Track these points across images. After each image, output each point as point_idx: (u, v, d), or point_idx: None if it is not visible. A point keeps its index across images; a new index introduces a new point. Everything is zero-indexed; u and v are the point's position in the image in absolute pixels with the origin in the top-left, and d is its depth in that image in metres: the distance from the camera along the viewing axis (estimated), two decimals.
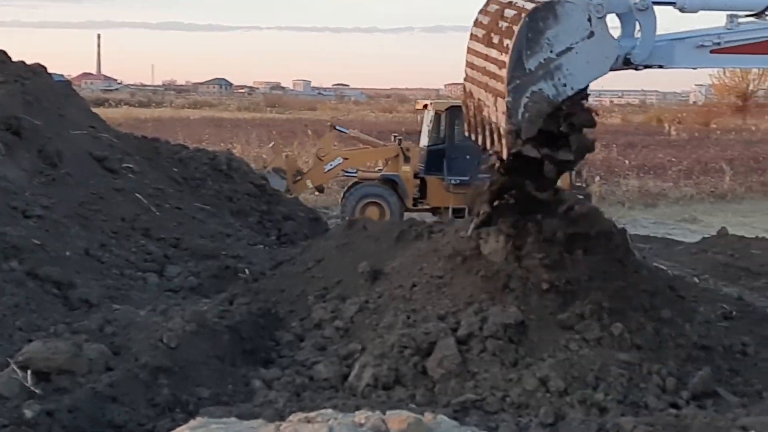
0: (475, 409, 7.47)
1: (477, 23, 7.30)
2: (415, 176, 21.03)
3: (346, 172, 21.34)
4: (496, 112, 6.63)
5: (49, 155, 12.37)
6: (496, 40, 6.62)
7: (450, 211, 20.08)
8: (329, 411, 4.63)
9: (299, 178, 21.00)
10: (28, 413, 6.39)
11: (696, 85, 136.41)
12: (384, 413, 7.13)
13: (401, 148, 21.55)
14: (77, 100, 15.95)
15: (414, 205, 21.42)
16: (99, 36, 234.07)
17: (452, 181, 20.86)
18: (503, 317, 8.33)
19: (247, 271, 11.38)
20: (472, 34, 7.23)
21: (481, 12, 7.27)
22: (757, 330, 9.96)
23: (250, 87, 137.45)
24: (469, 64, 7.27)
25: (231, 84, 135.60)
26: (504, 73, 6.29)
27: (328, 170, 20.90)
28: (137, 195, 12.71)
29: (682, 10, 8.32)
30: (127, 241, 11.50)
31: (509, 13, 6.68)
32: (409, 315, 8.80)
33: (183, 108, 79.63)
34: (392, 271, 9.98)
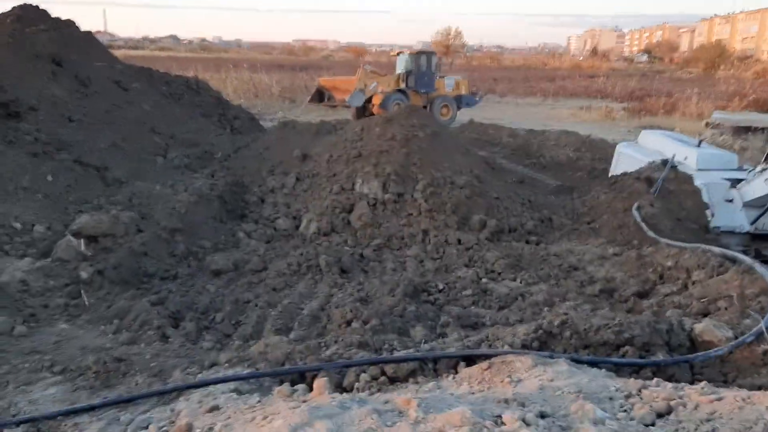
0: (386, 248, 7.41)
1: None
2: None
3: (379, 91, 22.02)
4: None
5: (82, 79, 11.32)
6: None
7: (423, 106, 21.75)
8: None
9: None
10: (83, 274, 5.87)
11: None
12: (328, 253, 7.52)
13: (399, 75, 22.66)
14: (96, 44, 14.47)
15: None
16: (105, 11, 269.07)
17: (421, 91, 22.63)
18: (396, 188, 8.16)
19: (219, 153, 10.94)
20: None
21: None
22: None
23: (190, 40, 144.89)
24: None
25: (179, 38, 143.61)
26: None
27: (371, 88, 21.77)
28: (143, 105, 11.82)
29: None
30: (140, 136, 10.68)
31: None
32: (334, 187, 8.44)
33: (154, 51, 78.73)
34: (314, 154, 9.60)
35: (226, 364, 4.09)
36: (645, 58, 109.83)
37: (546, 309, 5.33)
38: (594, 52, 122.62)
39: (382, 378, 3.74)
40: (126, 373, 4.13)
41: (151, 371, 4.16)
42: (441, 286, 6.11)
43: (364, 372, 3.78)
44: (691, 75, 55.32)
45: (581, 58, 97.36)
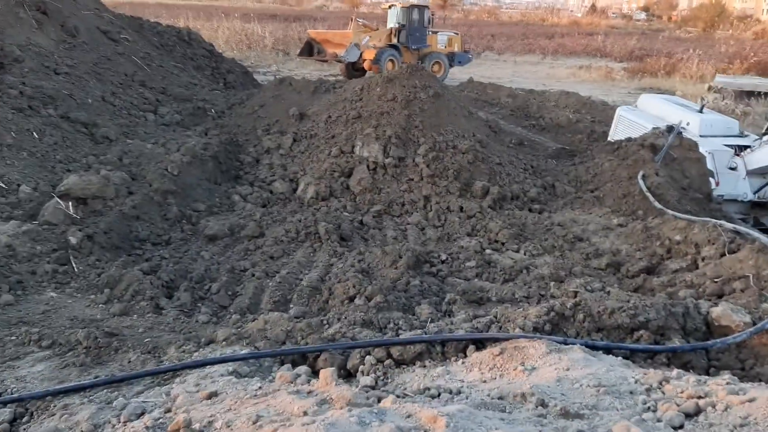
0: (386, 215, 7.17)
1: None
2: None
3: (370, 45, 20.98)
4: None
5: (69, 29, 10.71)
6: None
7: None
8: None
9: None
10: (72, 239, 5.54)
11: None
12: (327, 220, 7.24)
13: (391, 30, 21.60)
14: None
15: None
16: None
17: (413, 47, 21.75)
18: (397, 152, 7.82)
19: (213, 110, 10.45)
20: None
21: None
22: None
23: None
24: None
25: None
26: None
27: (364, 43, 20.65)
28: (133, 57, 11.21)
29: None
30: (130, 90, 10.12)
31: None
32: (333, 149, 8.09)
33: None
34: (312, 113, 9.20)
35: (224, 342, 3.91)
36: (643, 15, 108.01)
37: (552, 284, 5.17)
38: (593, 8, 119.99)
39: (388, 361, 3.58)
40: (118, 349, 3.94)
41: (144, 347, 3.97)
42: (444, 257, 5.92)
43: (369, 354, 3.62)
44: (690, 34, 54.38)
45: (580, 15, 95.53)
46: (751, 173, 9.66)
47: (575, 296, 4.35)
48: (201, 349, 3.89)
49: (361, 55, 20.76)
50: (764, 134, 10.94)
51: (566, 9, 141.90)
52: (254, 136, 9.14)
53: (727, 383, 2.84)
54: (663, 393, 2.84)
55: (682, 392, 2.77)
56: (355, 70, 21.11)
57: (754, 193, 9.71)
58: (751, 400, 2.50)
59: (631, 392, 2.87)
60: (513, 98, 17.25)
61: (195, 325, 4.49)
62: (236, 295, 5.13)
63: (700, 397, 2.67)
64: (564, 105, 16.60)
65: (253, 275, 5.44)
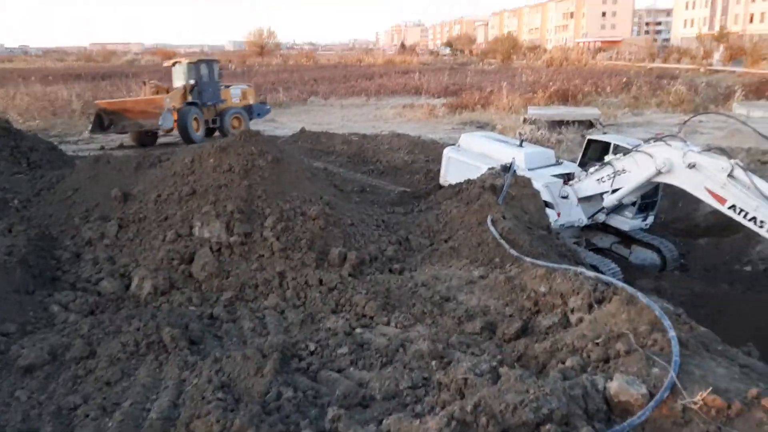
0: (239, 301, 6.39)
1: None
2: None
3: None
4: None
5: None
6: None
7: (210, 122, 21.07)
8: None
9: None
10: None
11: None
12: (171, 321, 6.18)
13: (185, 87, 20.16)
14: None
15: None
16: None
17: (208, 103, 20.78)
18: (242, 228, 7.07)
19: (16, 200, 8.71)
20: None
21: None
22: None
23: None
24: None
25: None
26: None
27: (167, 105, 18.87)
28: None
29: None
30: None
31: None
32: (168, 233, 7.17)
33: None
34: (138, 193, 8.15)
35: None
36: (448, 50, 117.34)
37: (434, 362, 4.81)
38: (402, 46, 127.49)
39: None
40: None
41: None
42: (312, 347, 5.33)
43: None
44: (492, 66, 59.47)
45: (392, 53, 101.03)
46: (581, 200, 10.28)
47: (465, 384, 4.00)
48: None
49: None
50: (581, 162, 11.80)
51: (378, 48, 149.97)
52: (71, 226, 7.89)
53: None
54: None
55: None
56: (146, 134, 19.83)
57: (588, 218, 10.35)
58: None
59: None
60: (348, 144, 17.22)
61: None
62: None
63: None
64: (397, 147, 16.90)
65: (87, 416, 4.42)
